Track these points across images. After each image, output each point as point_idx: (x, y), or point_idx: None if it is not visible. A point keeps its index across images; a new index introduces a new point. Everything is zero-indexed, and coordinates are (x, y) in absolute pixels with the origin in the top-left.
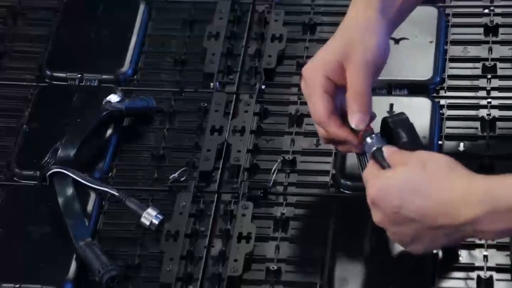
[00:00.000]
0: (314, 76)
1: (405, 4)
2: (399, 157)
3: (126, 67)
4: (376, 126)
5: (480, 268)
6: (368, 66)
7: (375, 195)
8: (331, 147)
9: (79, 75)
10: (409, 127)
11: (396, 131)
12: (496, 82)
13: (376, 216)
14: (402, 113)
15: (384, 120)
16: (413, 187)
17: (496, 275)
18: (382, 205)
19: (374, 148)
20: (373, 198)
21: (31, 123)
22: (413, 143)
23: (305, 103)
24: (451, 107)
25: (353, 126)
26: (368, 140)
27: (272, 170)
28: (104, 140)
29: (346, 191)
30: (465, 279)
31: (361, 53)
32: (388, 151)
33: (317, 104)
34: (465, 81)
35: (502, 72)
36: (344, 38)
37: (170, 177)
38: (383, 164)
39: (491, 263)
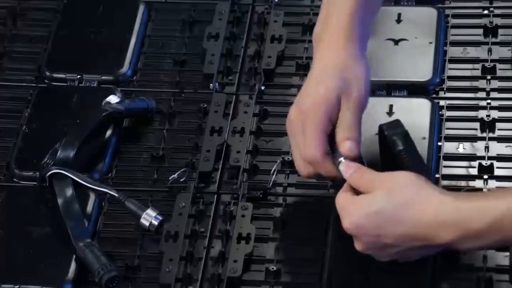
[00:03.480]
0: (315, 114)
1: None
2: (369, 182)
3: (125, 68)
4: (374, 129)
5: (480, 269)
6: (361, 105)
7: (352, 229)
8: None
9: (78, 76)
10: (405, 135)
11: (392, 139)
12: (495, 83)
13: (358, 245)
14: (397, 121)
15: (380, 128)
16: (388, 216)
17: (495, 276)
18: (361, 236)
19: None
20: (350, 232)
21: (31, 124)
22: (408, 151)
23: None
24: (450, 108)
25: (344, 153)
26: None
27: (272, 171)
28: (104, 141)
29: None
30: (464, 280)
31: (356, 94)
32: (355, 175)
33: (313, 144)
34: (465, 82)
35: (502, 73)
36: (339, 78)
37: (170, 178)
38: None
39: (490, 264)
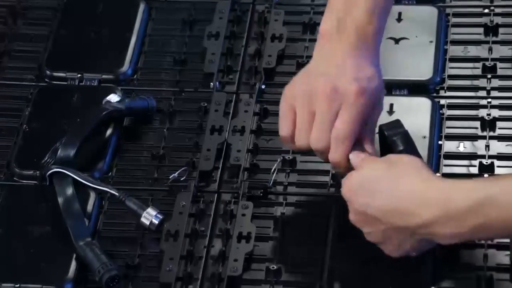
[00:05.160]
0: (361, 104)
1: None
2: (371, 159)
3: (126, 67)
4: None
5: (480, 268)
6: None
7: (346, 192)
8: None
9: (79, 75)
10: (405, 135)
11: (392, 139)
12: (496, 82)
13: (351, 215)
14: (397, 121)
15: (380, 128)
16: (378, 186)
17: (496, 275)
18: (353, 202)
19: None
20: (345, 195)
21: (31, 123)
22: (409, 151)
23: None
24: (451, 107)
25: (368, 151)
26: None
27: (272, 170)
28: (104, 140)
29: None
30: (465, 279)
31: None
32: (359, 155)
33: (347, 131)
34: (465, 81)
35: (502, 72)
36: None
37: (170, 177)
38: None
39: (491, 263)
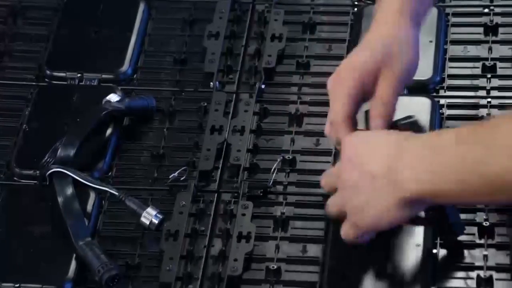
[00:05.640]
0: (349, 76)
1: (428, 8)
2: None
3: (126, 66)
4: None
5: (480, 268)
6: (401, 80)
7: (341, 146)
8: (331, 146)
9: (78, 75)
10: (420, 130)
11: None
12: (496, 82)
13: (334, 169)
14: (410, 116)
15: (394, 124)
16: (369, 146)
17: (496, 275)
18: (342, 158)
19: None
20: (339, 149)
21: (31, 122)
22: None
23: (305, 103)
24: (451, 106)
25: (374, 128)
26: None
27: (272, 170)
28: (104, 140)
29: None
30: (465, 278)
31: (398, 68)
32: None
33: (336, 106)
34: (465, 80)
35: (502, 72)
36: (384, 48)
37: (170, 177)
38: None
39: (491, 263)
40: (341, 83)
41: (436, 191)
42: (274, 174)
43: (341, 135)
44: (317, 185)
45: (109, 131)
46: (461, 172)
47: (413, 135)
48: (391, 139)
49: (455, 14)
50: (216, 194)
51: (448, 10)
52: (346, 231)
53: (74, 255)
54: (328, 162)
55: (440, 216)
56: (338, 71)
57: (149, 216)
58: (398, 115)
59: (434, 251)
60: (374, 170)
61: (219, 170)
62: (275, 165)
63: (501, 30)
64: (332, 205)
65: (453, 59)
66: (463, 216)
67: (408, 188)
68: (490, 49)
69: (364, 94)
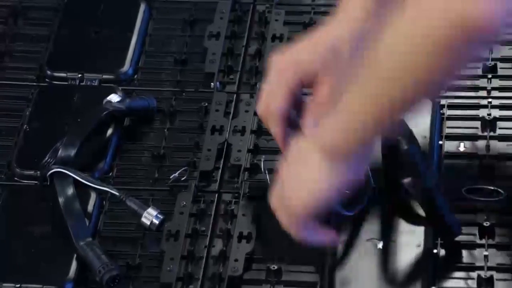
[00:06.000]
0: (292, 70)
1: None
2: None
3: (126, 66)
4: None
5: (481, 268)
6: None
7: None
8: None
9: (79, 75)
10: (409, 135)
11: (396, 138)
12: (496, 82)
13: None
14: (401, 120)
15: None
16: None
17: (496, 275)
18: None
19: None
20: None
21: (32, 123)
22: (413, 150)
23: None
24: (451, 107)
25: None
26: None
27: (274, 170)
28: (105, 140)
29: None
30: (465, 278)
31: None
32: None
33: (280, 97)
34: (466, 80)
35: (503, 72)
36: (330, 53)
37: (171, 177)
38: None
39: (491, 263)
40: (283, 75)
41: (353, 128)
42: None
43: (273, 130)
44: None
45: (109, 131)
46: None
47: None
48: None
49: None
50: (216, 195)
51: None
52: (286, 224)
53: (75, 255)
54: None
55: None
56: (276, 60)
57: (150, 216)
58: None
59: (435, 251)
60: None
61: (220, 171)
62: (276, 166)
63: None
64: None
65: None
66: (463, 217)
67: (331, 139)
68: (490, 49)
69: (303, 86)
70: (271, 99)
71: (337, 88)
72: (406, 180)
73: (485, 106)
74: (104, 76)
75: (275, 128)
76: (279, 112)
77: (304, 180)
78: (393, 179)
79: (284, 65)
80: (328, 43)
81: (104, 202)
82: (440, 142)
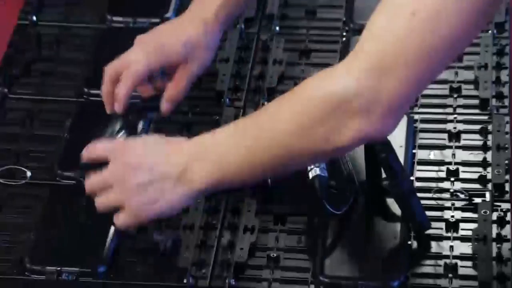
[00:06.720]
0: (153, 53)
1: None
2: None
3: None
4: None
5: (447, 257)
6: (196, 75)
7: (111, 151)
8: None
9: None
10: (387, 144)
11: (377, 147)
12: (461, 101)
13: (107, 172)
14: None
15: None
16: (143, 146)
17: (460, 263)
18: (119, 156)
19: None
20: (110, 153)
21: (71, 132)
22: (391, 158)
23: None
24: (423, 121)
25: (162, 108)
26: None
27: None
28: None
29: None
30: (434, 265)
31: (195, 65)
32: None
33: (136, 69)
34: (435, 99)
35: (466, 92)
36: (193, 41)
37: None
38: None
39: (456, 253)
40: (145, 49)
41: (223, 180)
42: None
43: (120, 89)
44: (311, 185)
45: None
46: (239, 160)
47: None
48: (174, 143)
49: None
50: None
51: None
52: (125, 221)
53: (107, 240)
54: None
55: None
56: (148, 43)
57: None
58: None
59: (409, 242)
60: (165, 172)
61: None
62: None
63: (465, 57)
64: (104, 203)
65: None
66: (433, 213)
67: (200, 183)
68: (456, 73)
69: (150, 72)
70: (132, 61)
71: None
72: (385, 183)
73: (451, 121)
74: (132, 101)
75: (123, 82)
76: (136, 70)
77: (166, 201)
78: (374, 182)
79: (149, 43)
80: (189, 33)
81: None
82: (414, 151)
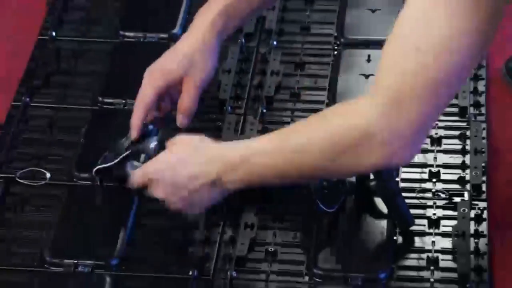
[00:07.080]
0: (156, 78)
1: (238, 25)
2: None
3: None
4: None
5: (429, 251)
6: (201, 87)
7: (153, 173)
8: None
9: (123, 101)
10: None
11: None
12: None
13: (160, 192)
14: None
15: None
16: (179, 160)
17: (441, 256)
18: (160, 181)
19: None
20: (152, 176)
21: (87, 137)
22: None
23: (297, 117)
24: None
25: (178, 124)
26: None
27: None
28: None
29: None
30: (417, 259)
31: (198, 78)
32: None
33: (147, 98)
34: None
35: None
36: (189, 56)
37: None
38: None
39: (437, 247)
40: (148, 82)
41: (251, 185)
42: None
43: (133, 119)
44: (305, 187)
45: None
46: (270, 176)
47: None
48: (211, 148)
49: None
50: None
51: None
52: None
53: (121, 234)
54: None
55: None
56: (150, 70)
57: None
58: None
59: (394, 238)
60: (202, 183)
61: None
62: None
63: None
64: (158, 194)
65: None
66: (416, 211)
67: (230, 188)
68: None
69: (169, 91)
70: (141, 91)
71: None
72: (373, 184)
73: (433, 127)
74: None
75: (135, 112)
76: (144, 99)
77: (200, 201)
78: (363, 183)
79: (153, 71)
80: (183, 51)
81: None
82: None
